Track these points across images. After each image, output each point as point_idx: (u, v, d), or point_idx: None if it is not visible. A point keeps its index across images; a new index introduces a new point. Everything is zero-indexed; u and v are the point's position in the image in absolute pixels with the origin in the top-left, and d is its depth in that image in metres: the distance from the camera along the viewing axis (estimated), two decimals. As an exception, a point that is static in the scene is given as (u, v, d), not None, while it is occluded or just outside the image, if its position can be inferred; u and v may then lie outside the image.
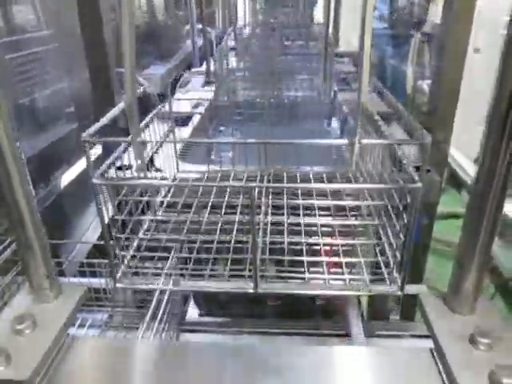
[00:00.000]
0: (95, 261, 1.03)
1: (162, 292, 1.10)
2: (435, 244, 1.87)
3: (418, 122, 1.33)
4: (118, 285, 0.70)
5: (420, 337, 1.13)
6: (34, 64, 1.71)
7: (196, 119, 1.51)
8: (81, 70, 1.48)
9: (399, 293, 0.73)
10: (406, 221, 0.62)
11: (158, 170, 1.13)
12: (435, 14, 3.79)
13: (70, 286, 0.65)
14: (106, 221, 0.70)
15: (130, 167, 1.13)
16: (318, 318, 1.39)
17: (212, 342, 1.10)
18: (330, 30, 3.10)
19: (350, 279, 0.71)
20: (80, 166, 1.53)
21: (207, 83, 1.98)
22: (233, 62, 2.09)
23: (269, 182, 0.96)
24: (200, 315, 1.47)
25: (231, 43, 2.56)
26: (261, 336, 1.14)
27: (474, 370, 0.51)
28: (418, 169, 1.11)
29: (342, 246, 0.78)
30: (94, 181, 0.63)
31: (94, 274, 1.05)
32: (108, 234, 0.69)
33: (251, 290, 0.68)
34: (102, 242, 1.38)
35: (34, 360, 0.52)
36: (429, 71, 3.64)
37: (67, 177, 1.48)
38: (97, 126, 0.66)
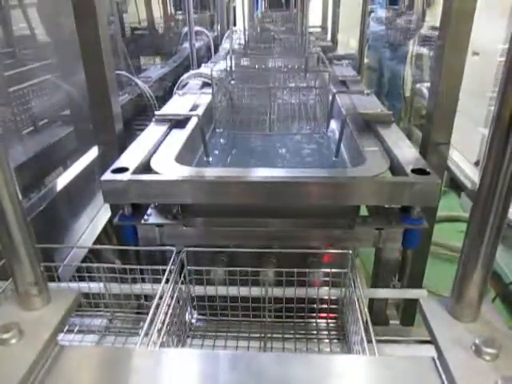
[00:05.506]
0: (94, 265, 1.01)
1: (162, 297, 1.08)
2: (434, 248, 1.85)
3: (418, 125, 1.32)
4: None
5: (421, 342, 1.11)
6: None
7: (193, 122, 1.48)
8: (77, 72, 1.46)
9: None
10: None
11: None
12: (433, 16, 3.79)
13: (61, 292, 0.63)
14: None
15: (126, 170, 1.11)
16: (317, 321, 1.37)
17: (211, 349, 1.08)
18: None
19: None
20: (76, 168, 1.51)
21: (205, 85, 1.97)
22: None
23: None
24: (198, 320, 1.44)
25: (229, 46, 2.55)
26: (259, 340, 1.12)
27: (478, 381, 0.49)
28: (416, 171, 1.09)
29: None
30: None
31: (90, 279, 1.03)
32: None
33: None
34: (98, 247, 1.35)
35: (20, 371, 0.50)
36: (427, 73, 3.64)
37: (63, 179, 1.46)
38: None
